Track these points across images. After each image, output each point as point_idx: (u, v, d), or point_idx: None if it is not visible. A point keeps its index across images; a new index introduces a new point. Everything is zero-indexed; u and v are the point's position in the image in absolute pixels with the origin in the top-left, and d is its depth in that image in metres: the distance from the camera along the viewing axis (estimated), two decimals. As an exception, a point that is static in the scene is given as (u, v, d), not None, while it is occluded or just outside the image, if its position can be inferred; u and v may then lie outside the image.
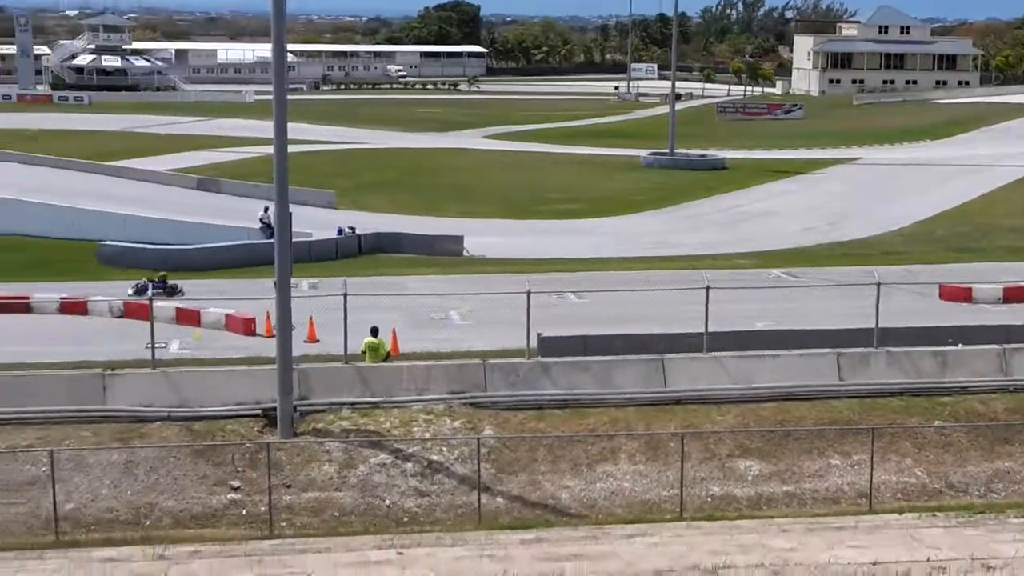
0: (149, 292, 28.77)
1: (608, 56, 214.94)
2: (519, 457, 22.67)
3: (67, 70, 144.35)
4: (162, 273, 35.79)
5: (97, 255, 40.68)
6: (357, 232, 44.32)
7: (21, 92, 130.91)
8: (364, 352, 25.60)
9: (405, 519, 21.00)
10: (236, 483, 21.66)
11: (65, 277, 37.01)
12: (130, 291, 34.59)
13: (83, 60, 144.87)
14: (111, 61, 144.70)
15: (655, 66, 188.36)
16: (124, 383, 24.14)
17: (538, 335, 25.96)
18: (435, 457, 22.47)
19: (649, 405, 24.60)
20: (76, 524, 20.37)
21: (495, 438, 23.02)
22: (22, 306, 32.21)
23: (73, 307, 32.22)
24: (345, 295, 24.92)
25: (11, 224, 46.21)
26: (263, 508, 20.83)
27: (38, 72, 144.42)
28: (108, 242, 41.47)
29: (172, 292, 34.42)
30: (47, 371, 24.67)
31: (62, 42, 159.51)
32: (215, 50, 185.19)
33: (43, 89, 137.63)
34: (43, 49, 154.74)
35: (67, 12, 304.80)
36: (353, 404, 24.12)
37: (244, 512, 21.06)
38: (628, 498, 21.89)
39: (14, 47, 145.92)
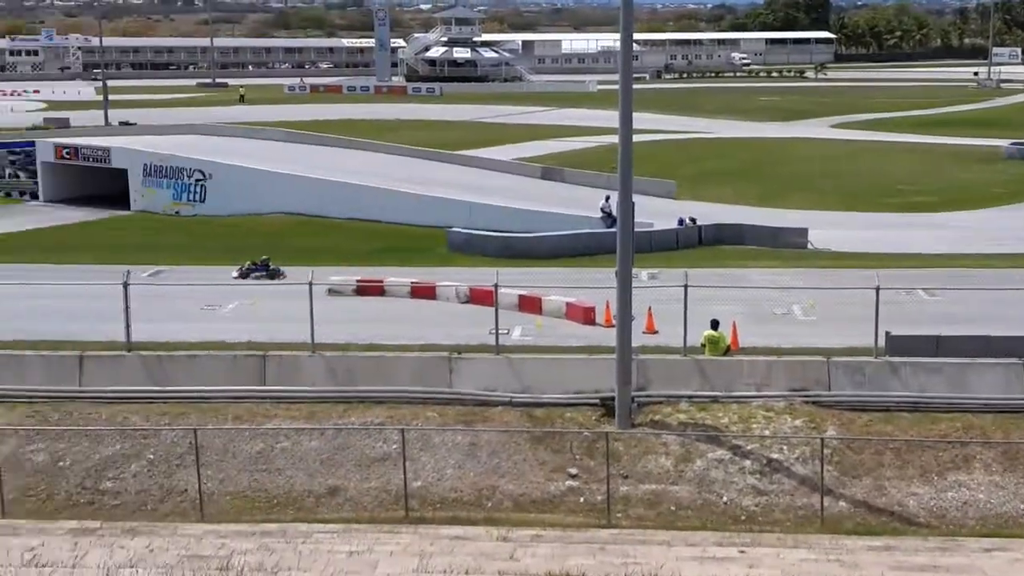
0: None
1: (967, 40, 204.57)
2: (864, 460, 21.79)
3: (421, 62, 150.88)
4: (264, 257, 36.88)
5: (447, 242, 42.28)
6: (698, 223, 43.96)
7: (378, 84, 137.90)
8: (704, 345, 25.30)
9: (742, 517, 20.59)
10: (574, 471, 21.87)
11: (417, 263, 38.71)
12: (234, 274, 35.91)
13: (435, 52, 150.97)
14: (462, 53, 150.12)
15: (1019, 50, 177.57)
16: (469, 367, 24.84)
17: (886, 333, 24.82)
18: (775, 455, 21.92)
19: (1008, 412, 23.07)
20: (423, 501, 21.12)
21: (839, 439, 22.21)
22: (377, 289, 33.86)
23: (423, 291, 33.49)
24: (686, 286, 24.67)
25: (371, 211, 48.83)
26: (600, 497, 20.94)
27: (394, 64, 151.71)
28: (456, 229, 43.00)
29: (274, 275, 35.40)
30: (398, 352, 25.74)
31: (416, 35, 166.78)
32: (560, 41, 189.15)
33: (398, 81, 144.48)
34: (399, 42, 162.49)
35: (421, 6, 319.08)
36: (691, 397, 23.86)
37: (582, 500, 21.23)
38: (982, 510, 20.62)
39: (373, 40, 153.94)
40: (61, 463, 22.36)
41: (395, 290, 33.80)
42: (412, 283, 33.99)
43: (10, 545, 18.44)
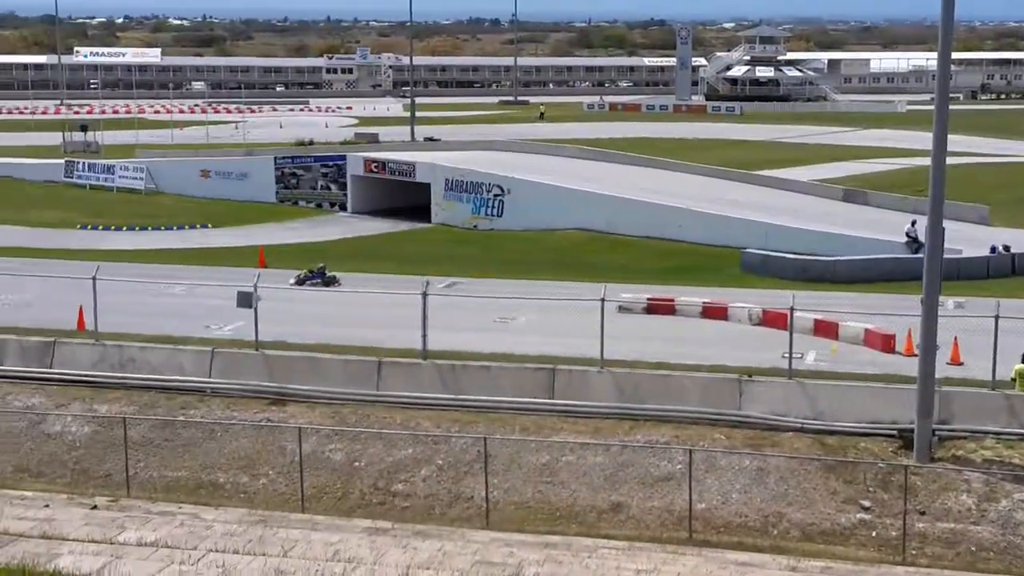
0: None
1: None
2: None
3: (722, 81, 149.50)
4: (321, 264, 37.73)
5: (741, 263, 41.60)
6: (1012, 251, 41.52)
7: (677, 103, 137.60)
8: (1015, 379, 23.80)
9: (1051, 564, 19.23)
10: (867, 503, 21.01)
11: (709, 282, 38.24)
12: (292, 281, 36.68)
13: (737, 71, 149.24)
14: (764, 72, 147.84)
15: None
16: (759, 390, 24.30)
17: None
18: (1090, 501, 20.37)
19: None
20: (707, 524, 20.76)
21: None
22: (668, 308, 33.58)
23: (714, 312, 32.97)
24: (996, 317, 23.35)
25: (664, 229, 48.65)
26: (894, 532, 20.02)
27: (694, 83, 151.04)
28: (750, 250, 42.24)
29: (329, 283, 34.95)
30: (687, 372, 25.41)
31: (719, 54, 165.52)
32: (868, 59, 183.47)
33: (698, 100, 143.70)
34: (700, 61, 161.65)
35: (724, 24, 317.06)
36: (998, 434, 22.52)
37: (874, 534, 20.36)
38: None
39: (674, 59, 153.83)
40: (356, 463, 23.20)
41: (686, 309, 33.44)
42: (704, 303, 33.54)
43: (311, 539, 19.25)
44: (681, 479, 21.37)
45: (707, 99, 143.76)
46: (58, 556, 17.82)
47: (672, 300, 34.02)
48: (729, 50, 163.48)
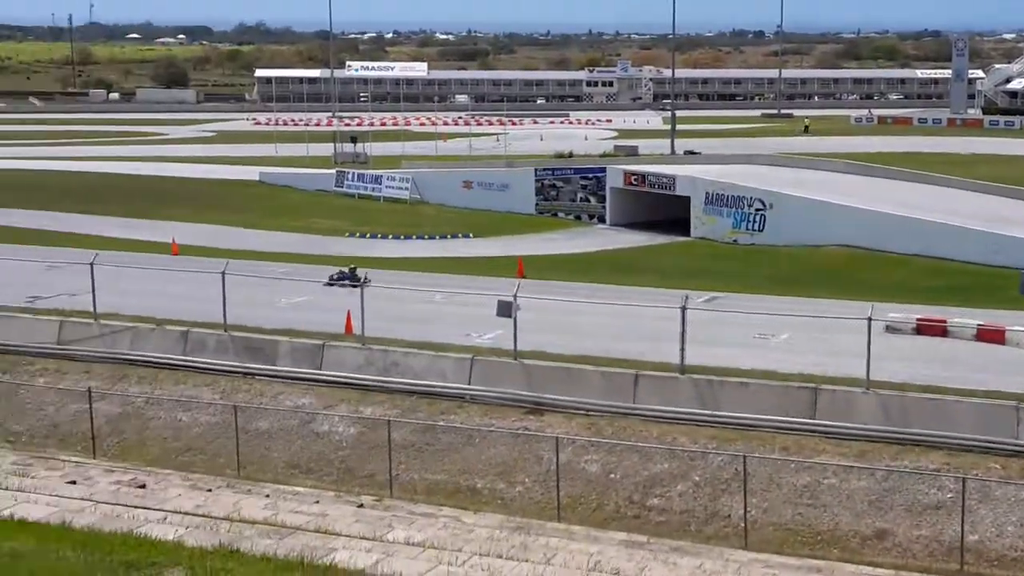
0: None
1: None
2: None
3: (1000, 94, 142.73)
4: (352, 265, 38.13)
5: (1020, 284, 39.55)
6: None
7: (951, 116, 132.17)
8: None
9: None
10: None
11: (985, 304, 36.47)
12: (324, 282, 37.17)
13: (1018, 84, 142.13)
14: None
15: None
16: (1039, 419, 22.96)
17: None
18: None
19: None
20: (979, 557, 19.75)
21: None
22: (939, 329, 32.18)
23: (990, 335, 31.39)
24: None
25: (936, 247, 46.78)
26: None
27: (970, 96, 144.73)
28: (1036, 271, 40.17)
29: (358, 283, 34.30)
30: (960, 397, 24.22)
31: (998, 66, 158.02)
32: None
33: (974, 113, 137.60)
34: (977, 73, 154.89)
35: (1005, 35, 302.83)
36: None
37: None
38: None
39: (949, 71, 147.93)
40: (612, 475, 23.12)
41: (959, 331, 31.94)
42: (978, 325, 31.97)
43: (570, 549, 19.32)
44: (951, 508, 20.39)
45: (984, 113, 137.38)
46: (333, 551, 18.44)
47: (944, 321, 32.56)
48: (1009, 62, 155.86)
